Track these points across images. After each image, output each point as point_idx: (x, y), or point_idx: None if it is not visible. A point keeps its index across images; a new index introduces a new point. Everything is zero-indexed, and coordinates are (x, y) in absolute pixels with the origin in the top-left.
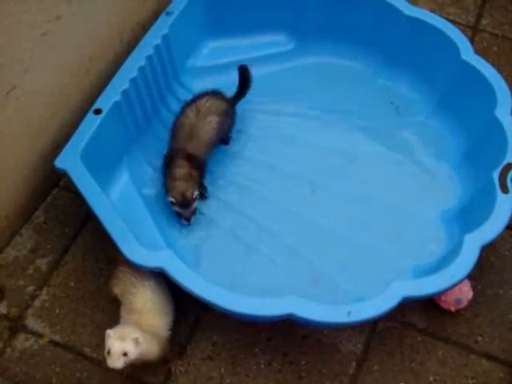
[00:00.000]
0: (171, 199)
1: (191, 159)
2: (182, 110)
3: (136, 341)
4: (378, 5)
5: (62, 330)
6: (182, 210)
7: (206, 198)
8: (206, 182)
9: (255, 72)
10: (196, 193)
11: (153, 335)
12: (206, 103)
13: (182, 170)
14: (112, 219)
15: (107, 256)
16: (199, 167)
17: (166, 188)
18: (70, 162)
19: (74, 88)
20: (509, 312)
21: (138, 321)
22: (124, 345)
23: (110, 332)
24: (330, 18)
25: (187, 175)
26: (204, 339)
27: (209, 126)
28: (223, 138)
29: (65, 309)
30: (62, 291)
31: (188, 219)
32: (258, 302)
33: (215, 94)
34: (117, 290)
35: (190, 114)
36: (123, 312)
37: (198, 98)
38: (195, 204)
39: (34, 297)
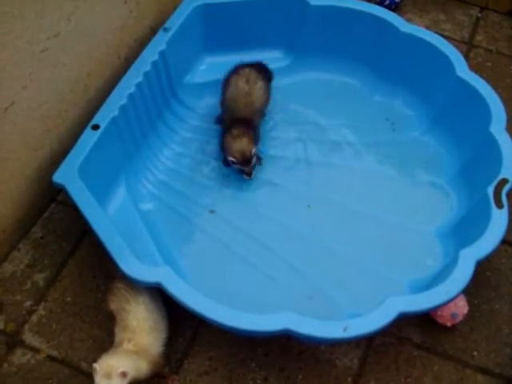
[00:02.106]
0: (231, 159)
1: (249, 123)
2: (228, 83)
3: (123, 374)
4: (374, 22)
5: (59, 345)
6: (242, 166)
7: (261, 163)
8: (203, 198)
9: None
10: (254, 149)
11: (144, 354)
12: (250, 72)
13: (240, 131)
14: (109, 234)
15: (104, 271)
16: (255, 131)
17: (225, 149)
18: (67, 176)
19: (72, 104)
20: (504, 327)
21: (132, 339)
22: (111, 382)
23: (96, 367)
24: (326, 35)
25: (245, 134)
26: (201, 354)
27: (260, 91)
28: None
29: (62, 324)
30: (59, 306)
31: (250, 174)
32: (255, 317)
33: (252, 64)
34: (112, 306)
35: (241, 84)
36: (117, 329)
37: (240, 69)
38: (254, 160)
39: (31, 312)
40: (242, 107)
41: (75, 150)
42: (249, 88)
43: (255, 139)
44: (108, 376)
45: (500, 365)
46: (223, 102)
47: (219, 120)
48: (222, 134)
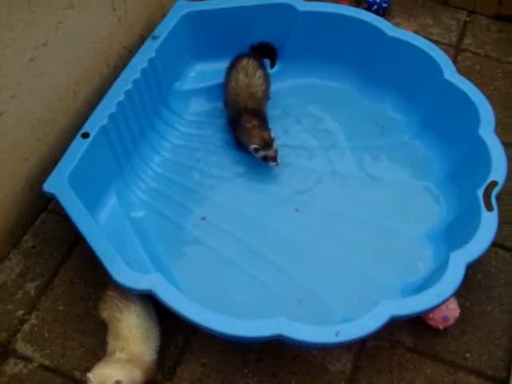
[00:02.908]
0: (254, 146)
1: (257, 114)
2: (229, 77)
3: (118, 382)
4: (362, 27)
5: (51, 354)
6: (266, 151)
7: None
8: (194, 205)
9: None
10: (273, 134)
11: (137, 362)
12: (247, 62)
13: (252, 122)
14: (100, 242)
15: (96, 280)
16: (264, 120)
17: (242, 141)
18: (58, 185)
19: (62, 112)
20: (496, 329)
21: (124, 347)
22: None
23: (90, 376)
24: (314, 40)
25: (259, 124)
26: (193, 361)
27: (259, 80)
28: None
29: (54, 333)
30: (51, 315)
31: (274, 159)
32: (247, 323)
33: (248, 54)
34: (104, 315)
35: (240, 76)
36: (109, 338)
37: (237, 62)
38: (275, 144)
39: (23, 321)
40: (246, 99)
41: (65, 159)
42: (249, 80)
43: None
44: None
45: (492, 367)
46: (226, 97)
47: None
48: (233, 130)
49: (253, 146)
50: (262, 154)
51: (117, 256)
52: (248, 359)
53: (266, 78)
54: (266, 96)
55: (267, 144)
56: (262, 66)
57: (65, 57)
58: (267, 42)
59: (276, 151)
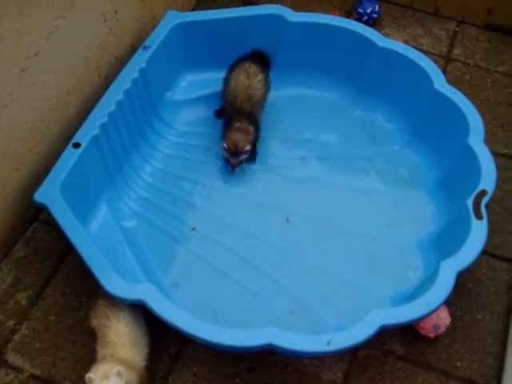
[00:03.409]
0: (224, 145)
1: (249, 116)
2: (230, 77)
3: (119, 373)
4: (352, 37)
5: (42, 365)
6: (231, 157)
7: (254, 161)
8: (185, 215)
9: None
10: (248, 147)
11: (129, 367)
12: (249, 65)
13: (241, 124)
14: (91, 252)
15: (87, 290)
16: (256, 123)
17: (223, 138)
18: (49, 195)
19: (53, 122)
20: (487, 337)
21: (113, 354)
22: (111, 382)
23: (91, 375)
24: (305, 51)
25: (245, 130)
26: (185, 371)
27: (260, 83)
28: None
29: (45, 343)
30: (42, 325)
31: (234, 167)
32: (238, 332)
33: (250, 58)
34: (94, 323)
35: (241, 77)
36: (99, 346)
37: (239, 63)
38: (244, 156)
39: (14, 331)
40: (243, 101)
41: (56, 169)
42: (249, 82)
43: (256, 132)
44: (106, 377)
45: (483, 375)
46: (225, 96)
47: (219, 113)
48: (223, 126)
49: (223, 145)
50: (226, 155)
51: (107, 266)
52: (239, 369)
53: (266, 83)
54: (263, 100)
55: (235, 152)
56: (264, 71)
57: (56, 67)
58: (261, 51)
59: (241, 162)
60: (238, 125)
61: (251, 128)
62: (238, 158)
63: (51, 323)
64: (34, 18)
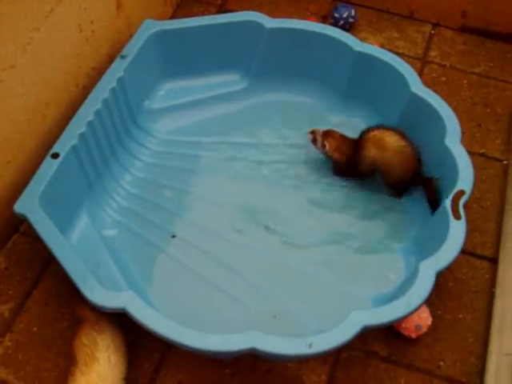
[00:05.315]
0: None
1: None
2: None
3: None
4: (328, 42)
5: (25, 376)
6: (312, 141)
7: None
8: (165, 223)
9: (211, 112)
10: (332, 153)
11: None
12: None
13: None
14: (72, 262)
15: (70, 300)
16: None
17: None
18: (28, 206)
19: (31, 133)
20: (469, 336)
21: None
22: None
23: None
24: (282, 56)
25: (345, 141)
26: (169, 378)
27: None
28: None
29: (28, 354)
30: (25, 337)
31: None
32: (221, 338)
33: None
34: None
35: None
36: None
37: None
38: (322, 150)
39: None
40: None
41: (35, 179)
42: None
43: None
44: None
45: (466, 373)
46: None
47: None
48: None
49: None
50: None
51: (89, 275)
52: (223, 374)
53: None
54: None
55: (315, 141)
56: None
57: (33, 78)
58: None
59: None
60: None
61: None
62: (316, 145)
63: (34, 334)
64: (8, 30)
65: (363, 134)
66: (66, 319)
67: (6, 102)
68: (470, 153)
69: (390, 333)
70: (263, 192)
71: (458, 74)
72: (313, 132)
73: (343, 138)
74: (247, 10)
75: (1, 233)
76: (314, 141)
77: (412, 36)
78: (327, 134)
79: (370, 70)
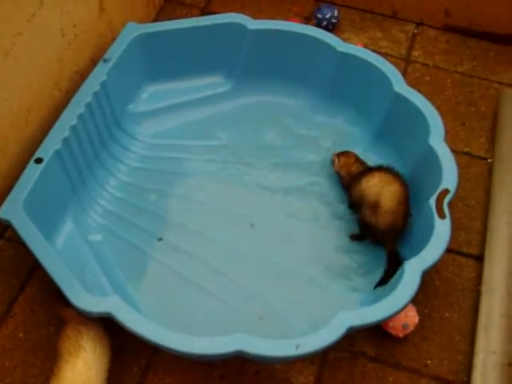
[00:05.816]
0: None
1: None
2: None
3: None
4: (312, 43)
5: (12, 383)
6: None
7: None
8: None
9: (196, 114)
10: (341, 170)
11: None
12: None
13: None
14: (57, 267)
15: (55, 306)
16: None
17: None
18: (13, 211)
19: (14, 138)
20: (455, 334)
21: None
22: None
23: None
24: (265, 58)
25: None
26: (156, 382)
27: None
28: None
29: (14, 361)
30: (11, 343)
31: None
32: (207, 341)
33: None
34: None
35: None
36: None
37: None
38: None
39: None
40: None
41: (19, 185)
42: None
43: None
44: None
45: (454, 372)
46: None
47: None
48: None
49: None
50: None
51: (74, 280)
52: (212, 377)
53: None
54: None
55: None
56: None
57: (15, 83)
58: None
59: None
60: (351, 160)
61: (353, 167)
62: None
63: (20, 340)
64: None
65: (372, 170)
66: (53, 325)
67: None
68: (455, 152)
69: (377, 332)
70: (247, 191)
71: (442, 73)
72: (336, 155)
73: (357, 161)
74: (230, 11)
75: None
76: (333, 162)
77: (395, 36)
78: (342, 153)
79: (354, 71)
